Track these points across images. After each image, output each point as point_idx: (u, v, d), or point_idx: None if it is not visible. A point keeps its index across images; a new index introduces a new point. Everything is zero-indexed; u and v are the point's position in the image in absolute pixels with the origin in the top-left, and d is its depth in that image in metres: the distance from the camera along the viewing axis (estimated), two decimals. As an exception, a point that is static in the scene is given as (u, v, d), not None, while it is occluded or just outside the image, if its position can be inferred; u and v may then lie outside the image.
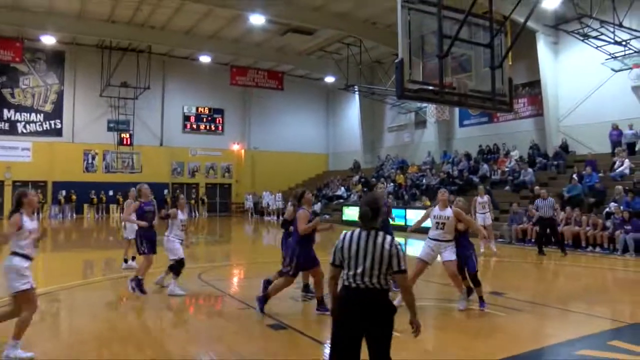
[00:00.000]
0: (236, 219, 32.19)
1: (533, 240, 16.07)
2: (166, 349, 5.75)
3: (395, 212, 21.98)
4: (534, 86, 23.39)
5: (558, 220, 15.05)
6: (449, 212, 7.30)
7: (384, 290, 3.49)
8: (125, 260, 11.12)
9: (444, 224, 7.26)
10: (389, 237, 3.54)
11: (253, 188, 34.88)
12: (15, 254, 5.18)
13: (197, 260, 13.74)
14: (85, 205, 30.63)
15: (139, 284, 8.18)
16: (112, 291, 9.00)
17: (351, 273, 3.49)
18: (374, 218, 3.58)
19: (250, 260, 12.49)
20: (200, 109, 34.60)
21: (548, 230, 14.06)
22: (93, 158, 31.29)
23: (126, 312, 7.59)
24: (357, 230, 3.61)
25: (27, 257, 5.23)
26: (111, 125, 31.17)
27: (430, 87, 6.83)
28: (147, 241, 8.54)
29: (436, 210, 7.40)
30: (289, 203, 8.27)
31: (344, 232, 3.64)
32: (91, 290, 9.06)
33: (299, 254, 6.87)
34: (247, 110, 36.10)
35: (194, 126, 34.41)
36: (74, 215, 29.91)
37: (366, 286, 3.46)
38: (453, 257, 7.20)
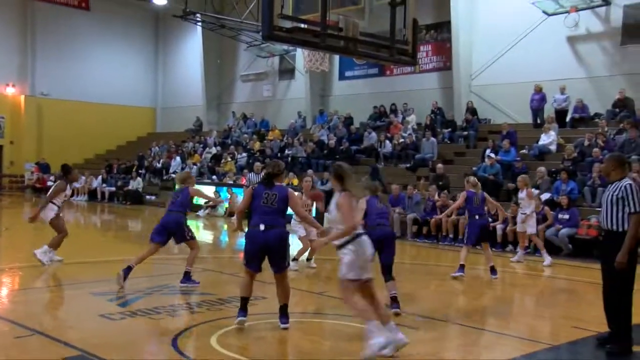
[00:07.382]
0: (11, 198, 30.62)
1: (451, 236, 16.79)
2: None
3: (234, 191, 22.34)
4: (442, 29, 24.53)
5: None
6: None
7: None
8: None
9: None
10: None
11: (39, 154, 33.52)
12: None
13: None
14: None
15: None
16: None
17: None
18: None
19: (29, 261, 11.86)
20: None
21: None
22: None
23: None
24: None
25: None
26: None
27: (306, 26, 6.81)
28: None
29: None
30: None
31: None
32: None
33: None
34: (30, 36, 34.10)
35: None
36: None
37: None
38: None
